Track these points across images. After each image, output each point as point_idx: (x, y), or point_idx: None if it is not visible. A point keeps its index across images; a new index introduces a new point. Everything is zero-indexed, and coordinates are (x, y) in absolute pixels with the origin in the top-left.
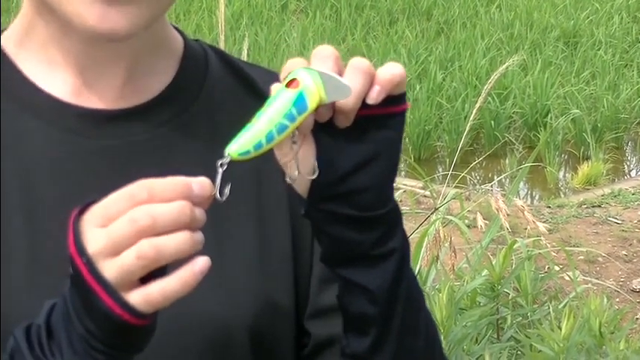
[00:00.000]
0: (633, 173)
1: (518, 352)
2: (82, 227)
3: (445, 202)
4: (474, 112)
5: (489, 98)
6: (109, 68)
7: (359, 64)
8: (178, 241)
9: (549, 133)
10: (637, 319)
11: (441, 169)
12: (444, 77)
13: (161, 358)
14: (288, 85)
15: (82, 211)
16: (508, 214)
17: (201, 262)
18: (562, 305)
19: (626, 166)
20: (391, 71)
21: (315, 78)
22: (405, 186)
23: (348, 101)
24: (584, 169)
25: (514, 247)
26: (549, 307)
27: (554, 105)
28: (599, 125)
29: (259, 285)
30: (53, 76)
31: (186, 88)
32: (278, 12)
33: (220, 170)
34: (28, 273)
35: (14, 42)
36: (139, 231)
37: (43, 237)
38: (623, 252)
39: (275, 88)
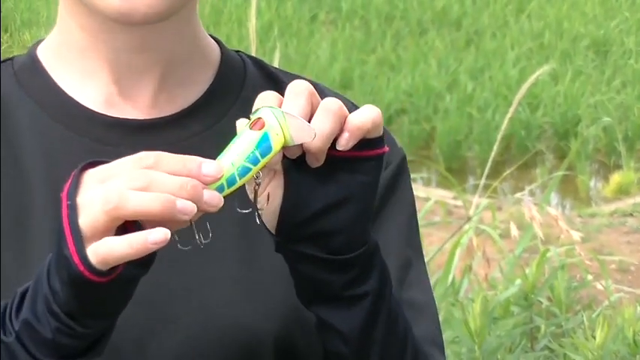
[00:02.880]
0: None
1: None
2: (82, 178)
3: (478, 211)
4: (505, 122)
5: (520, 108)
6: (143, 77)
7: (330, 105)
8: (150, 197)
9: (580, 142)
10: None
11: (471, 180)
12: (474, 87)
13: None
14: (252, 124)
15: (88, 166)
16: (541, 224)
17: (158, 233)
18: (596, 314)
19: None
20: (362, 118)
21: (281, 119)
22: (437, 196)
23: (314, 143)
24: (616, 178)
25: (547, 256)
26: (583, 316)
27: (585, 114)
28: (630, 134)
29: (289, 296)
30: (87, 85)
31: (222, 97)
32: (307, 23)
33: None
34: None
35: (51, 53)
36: (130, 187)
37: None
38: None
39: (239, 125)
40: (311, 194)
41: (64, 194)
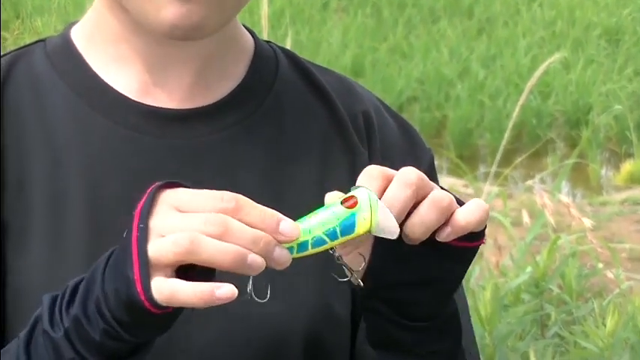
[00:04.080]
0: None
1: (563, 349)
2: (158, 199)
3: (489, 199)
4: (517, 109)
5: (531, 96)
6: (178, 69)
7: (439, 199)
8: (222, 248)
9: (591, 130)
10: None
11: (482, 167)
12: (485, 76)
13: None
14: (345, 200)
15: (165, 186)
16: (552, 212)
17: (225, 289)
18: (606, 302)
19: None
20: (469, 217)
21: (374, 206)
22: (448, 184)
23: (414, 232)
24: (627, 166)
25: (558, 244)
26: (593, 304)
27: (597, 102)
28: None
29: (318, 292)
30: (121, 72)
31: (254, 91)
32: (319, 10)
33: None
34: (88, 267)
35: (85, 36)
36: (204, 232)
37: (106, 233)
38: None
39: (328, 199)
40: (399, 265)
41: (137, 212)
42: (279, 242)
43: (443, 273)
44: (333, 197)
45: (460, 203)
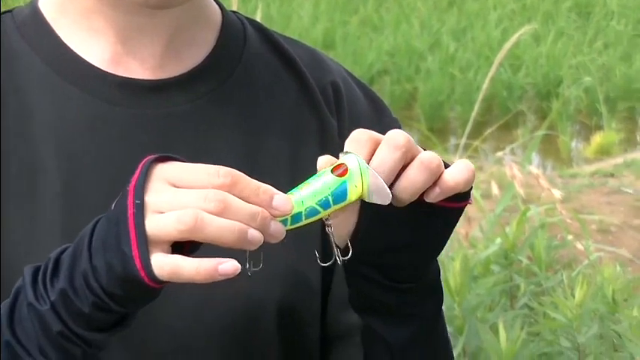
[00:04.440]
0: None
1: (532, 320)
2: (152, 174)
3: None
4: (486, 82)
5: (502, 69)
6: (150, 37)
7: (429, 161)
8: (225, 225)
9: (561, 103)
10: None
11: (453, 140)
12: (456, 48)
13: (187, 331)
14: (335, 168)
15: (158, 160)
16: (522, 183)
17: (229, 265)
18: (575, 273)
19: (638, 136)
20: (457, 178)
21: (365, 173)
22: None
23: (404, 195)
24: (597, 138)
25: (527, 215)
26: (563, 275)
27: (567, 75)
28: (611, 95)
29: (291, 263)
30: (92, 43)
31: (224, 61)
32: None
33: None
34: (64, 239)
35: (54, 7)
36: (204, 208)
37: (81, 203)
38: (637, 221)
39: (321, 163)
40: (387, 229)
41: (131, 187)
42: (274, 217)
43: (430, 234)
44: (324, 162)
45: (446, 165)
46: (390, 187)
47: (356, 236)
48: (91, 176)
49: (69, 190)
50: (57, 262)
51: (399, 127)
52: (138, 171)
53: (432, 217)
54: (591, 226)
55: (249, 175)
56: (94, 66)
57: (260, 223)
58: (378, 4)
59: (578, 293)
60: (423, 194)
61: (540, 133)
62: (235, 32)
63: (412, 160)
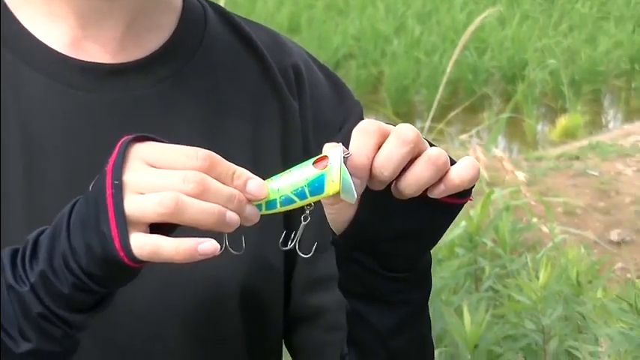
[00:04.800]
0: (611, 125)
1: (497, 303)
2: (130, 153)
3: None
4: (450, 64)
5: (467, 52)
6: (110, 21)
7: (436, 158)
8: (205, 208)
9: (527, 85)
10: (615, 269)
11: (419, 123)
12: (421, 31)
13: (153, 316)
14: (317, 160)
15: (135, 140)
16: (487, 166)
17: (208, 245)
18: (540, 255)
19: (603, 118)
20: (463, 176)
21: (344, 171)
22: None
23: (408, 190)
24: (562, 121)
25: (492, 198)
26: (527, 258)
27: (532, 58)
28: (576, 78)
29: (253, 244)
30: (52, 27)
31: (185, 44)
32: None
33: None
34: (27, 223)
35: None
36: (182, 191)
37: (45, 187)
38: (602, 204)
39: (326, 149)
40: (385, 218)
41: (109, 168)
42: (250, 195)
43: (428, 227)
44: (328, 147)
45: (451, 161)
46: (396, 180)
47: (354, 223)
48: (54, 159)
49: (32, 173)
50: (35, 243)
51: (361, 111)
52: (116, 151)
53: (431, 211)
54: (557, 208)
55: None
56: (55, 50)
57: (236, 205)
58: None
59: (543, 275)
60: (426, 189)
61: (505, 115)
62: (196, 16)
63: (419, 155)
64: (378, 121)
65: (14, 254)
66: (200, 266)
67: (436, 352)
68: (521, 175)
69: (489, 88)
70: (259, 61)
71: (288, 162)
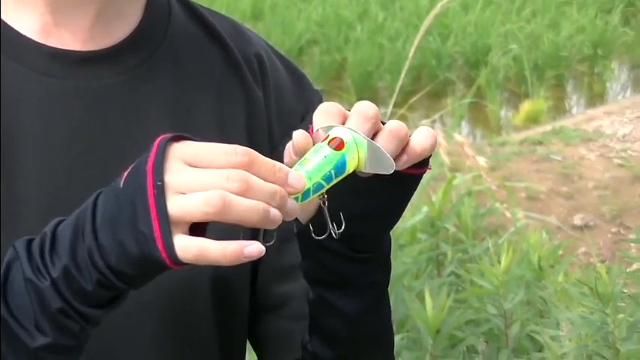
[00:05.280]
0: (574, 110)
1: (459, 287)
2: (169, 153)
3: None
4: (413, 49)
5: (430, 38)
6: (79, 9)
7: (398, 130)
8: (250, 206)
9: (490, 70)
10: (578, 253)
11: (382, 109)
12: (385, 17)
13: (125, 311)
14: (331, 142)
15: (172, 139)
16: (449, 152)
17: (254, 248)
18: (502, 240)
19: (566, 103)
20: (424, 144)
21: (360, 145)
22: None
23: None
24: (526, 106)
25: (454, 183)
26: (489, 243)
27: (495, 43)
28: (539, 63)
29: (223, 233)
30: (22, 14)
31: (151, 34)
32: None
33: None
34: (5, 218)
35: None
36: (227, 189)
37: (17, 175)
38: (565, 188)
39: (297, 139)
40: (353, 199)
41: (149, 168)
42: (289, 194)
43: (392, 202)
44: (300, 135)
45: None
46: None
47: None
48: (28, 147)
49: (7, 161)
50: (54, 236)
51: (321, 99)
52: (154, 150)
53: (394, 185)
54: (520, 193)
55: None
56: (25, 36)
57: (279, 201)
58: None
59: (504, 260)
60: None
61: (467, 100)
62: (160, 6)
63: (379, 130)
64: (336, 103)
65: (29, 245)
66: None
67: (398, 337)
68: (482, 160)
69: (453, 73)
70: (223, 50)
71: (254, 149)
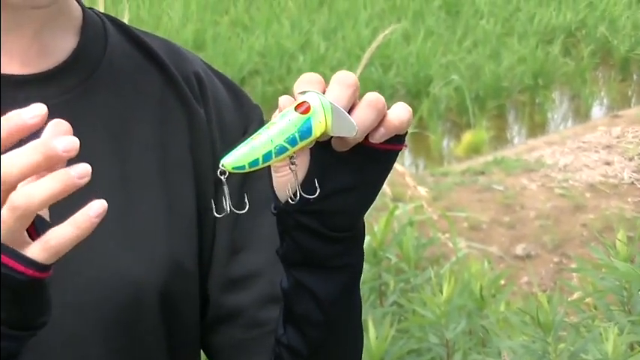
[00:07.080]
0: (516, 140)
1: (401, 317)
2: None
3: None
4: None
5: (372, 68)
6: (15, 33)
7: (376, 101)
8: (44, 182)
9: (432, 101)
10: (521, 283)
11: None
12: (327, 48)
13: (72, 326)
14: (298, 107)
15: None
16: (391, 182)
17: (96, 206)
18: (443, 270)
19: (508, 133)
20: (401, 117)
21: (327, 109)
22: None
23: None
24: (467, 136)
25: (396, 213)
26: (431, 272)
27: (437, 74)
28: (481, 93)
29: (168, 247)
30: None
31: (88, 55)
32: None
33: (223, 180)
34: None
35: None
36: (3, 182)
37: None
38: (506, 218)
39: (283, 103)
40: (329, 174)
41: None
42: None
43: (368, 179)
44: (284, 103)
45: None
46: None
47: (305, 183)
48: None
49: None
50: None
51: (261, 114)
52: None
53: (371, 161)
54: (462, 223)
55: (120, 168)
56: None
57: (44, 152)
58: (248, 4)
59: (446, 290)
60: (367, 136)
61: (409, 131)
62: (96, 28)
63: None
64: (316, 74)
65: None
66: (117, 272)
67: None
68: (423, 191)
69: (394, 103)
70: (161, 69)
71: (198, 165)
